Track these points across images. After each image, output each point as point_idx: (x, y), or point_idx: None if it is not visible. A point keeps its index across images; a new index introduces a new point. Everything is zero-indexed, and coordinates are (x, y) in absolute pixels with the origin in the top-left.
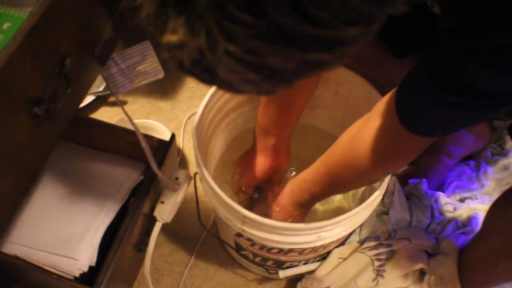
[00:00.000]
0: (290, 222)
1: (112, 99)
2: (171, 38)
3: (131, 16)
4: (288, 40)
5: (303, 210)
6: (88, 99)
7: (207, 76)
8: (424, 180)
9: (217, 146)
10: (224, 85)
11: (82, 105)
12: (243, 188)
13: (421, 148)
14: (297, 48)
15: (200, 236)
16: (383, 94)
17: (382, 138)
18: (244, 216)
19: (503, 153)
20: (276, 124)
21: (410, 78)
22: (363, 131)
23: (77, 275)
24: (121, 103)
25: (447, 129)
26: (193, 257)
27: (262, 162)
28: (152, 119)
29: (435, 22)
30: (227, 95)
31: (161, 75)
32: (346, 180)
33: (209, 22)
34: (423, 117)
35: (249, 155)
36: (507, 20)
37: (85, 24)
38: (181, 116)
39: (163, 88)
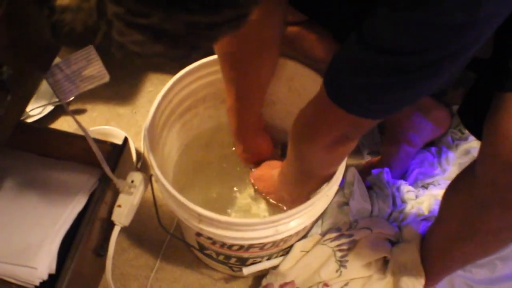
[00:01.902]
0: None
1: (71, 108)
2: (64, 1)
3: None
4: (169, 1)
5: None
6: (47, 109)
7: (99, 40)
8: (387, 169)
9: (174, 148)
10: (117, 48)
11: (41, 115)
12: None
13: (348, 127)
14: (180, 9)
15: (164, 239)
16: None
17: (311, 110)
18: (200, 215)
19: (464, 138)
20: (247, 117)
21: (341, 49)
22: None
23: (37, 283)
24: (69, 110)
25: (375, 102)
26: (158, 260)
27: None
28: (112, 125)
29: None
30: (179, 96)
31: (106, 79)
32: (304, 164)
33: None
34: (351, 89)
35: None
36: None
37: (20, 30)
38: (141, 120)
39: (122, 94)
